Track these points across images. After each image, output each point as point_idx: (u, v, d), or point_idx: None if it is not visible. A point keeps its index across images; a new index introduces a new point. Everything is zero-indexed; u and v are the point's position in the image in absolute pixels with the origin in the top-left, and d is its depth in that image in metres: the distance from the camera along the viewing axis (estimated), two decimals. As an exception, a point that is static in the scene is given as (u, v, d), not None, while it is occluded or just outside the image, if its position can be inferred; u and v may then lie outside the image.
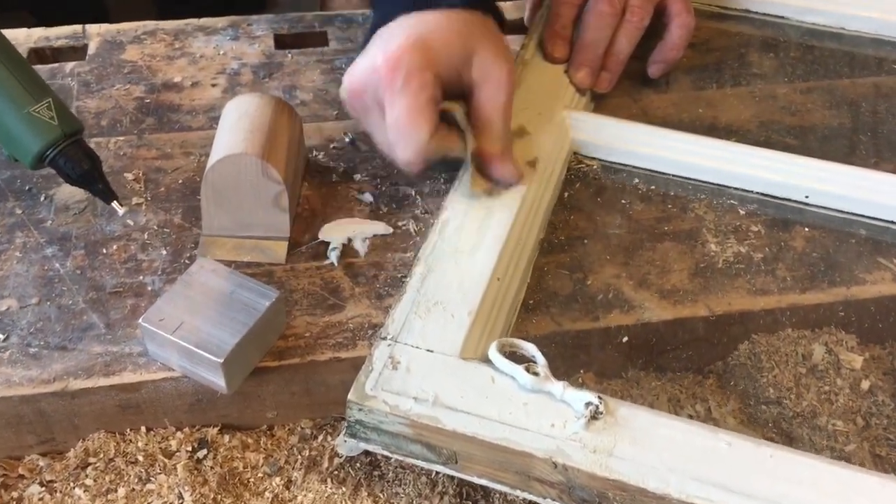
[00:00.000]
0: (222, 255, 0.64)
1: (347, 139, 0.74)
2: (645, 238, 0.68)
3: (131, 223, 0.67)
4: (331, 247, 0.65)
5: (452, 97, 0.63)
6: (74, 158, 0.60)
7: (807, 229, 0.69)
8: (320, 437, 0.61)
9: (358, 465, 0.59)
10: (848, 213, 0.69)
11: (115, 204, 0.61)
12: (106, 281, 0.63)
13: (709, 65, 0.83)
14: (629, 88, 0.79)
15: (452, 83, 0.62)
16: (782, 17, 0.88)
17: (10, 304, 0.61)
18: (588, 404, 0.51)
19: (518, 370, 0.53)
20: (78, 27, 0.85)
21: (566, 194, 0.70)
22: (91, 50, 0.83)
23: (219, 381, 0.56)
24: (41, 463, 0.60)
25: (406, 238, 0.67)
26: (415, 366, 0.55)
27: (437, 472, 0.57)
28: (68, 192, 0.68)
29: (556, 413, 0.52)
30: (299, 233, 0.66)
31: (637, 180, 0.72)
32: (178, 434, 0.60)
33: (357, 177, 0.71)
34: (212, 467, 0.59)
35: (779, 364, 0.64)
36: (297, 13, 0.88)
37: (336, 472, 0.59)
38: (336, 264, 0.65)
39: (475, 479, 0.53)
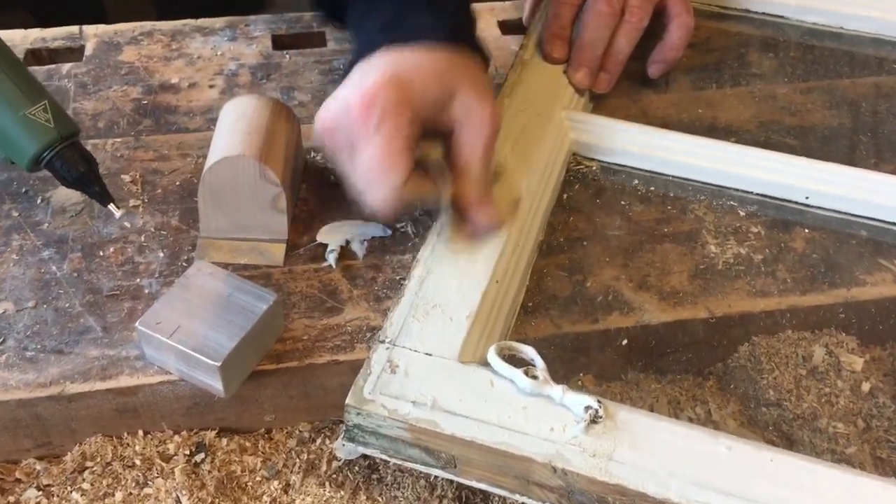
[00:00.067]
0: (220, 258, 0.64)
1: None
2: (644, 240, 0.67)
3: (128, 225, 0.67)
4: (329, 249, 0.65)
5: (432, 138, 0.60)
6: (71, 161, 0.60)
7: (807, 230, 0.68)
8: (318, 441, 0.61)
9: (356, 468, 0.59)
10: (848, 214, 0.68)
11: (111, 206, 0.61)
12: (103, 284, 0.63)
13: (708, 65, 0.83)
14: (628, 89, 0.79)
15: (431, 124, 0.58)
16: (782, 17, 0.87)
17: (7, 308, 0.61)
18: (587, 408, 0.51)
19: (517, 374, 0.53)
20: (74, 28, 0.84)
21: (565, 195, 0.70)
22: (88, 51, 0.82)
23: (216, 385, 0.56)
24: (38, 467, 0.59)
25: (404, 240, 0.66)
26: (413, 369, 0.54)
27: (436, 476, 0.57)
28: (65, 195, 0.68)
29: (556, 417, 0.52)
30: (297, 235, 0.66)
31: (636, 181, 0.72)
32: (176, 438, 0.60)
33: (355, 179, 0.71)
34: (209, 471, 0.58)
35: (779, 366, 0.63)
36: (295, 13, 0.88)
37: (334, 476, 0.59)
38: (334, 266, 0.64)
39: (474, 484, 0.53)
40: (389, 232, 0.67)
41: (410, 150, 0.56)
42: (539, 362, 0.54)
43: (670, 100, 0.79)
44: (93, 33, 0.84)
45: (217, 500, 0.57)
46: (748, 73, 0.82)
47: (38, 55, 0.83)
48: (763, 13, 0.88)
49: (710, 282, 0.65)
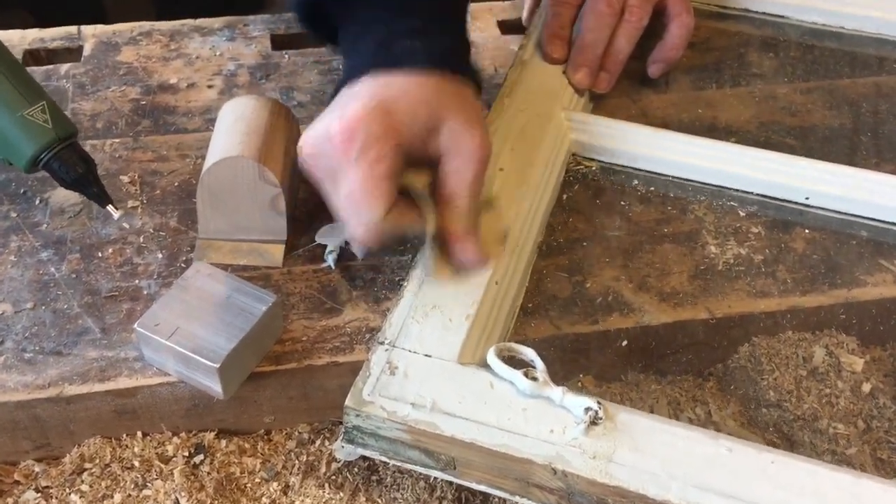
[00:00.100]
0: (219, 259, 0.64)
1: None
2: (644, 240, 0.67)
3: (127, 226, 0.66)
4: (328, 250, 0.65)
5: (419, 166, 0.58)
6: (69, 162, 0.60)
7: (807, 231, 0.68)
8: (318, 442, 0.61)
9: (356, 469, 0.59)
10: (849, 214, 0.68)
11: (109, 207, 0.61)
12: (101, 285, 0.63)
13: (708, 65, 0.83)
14: (628, 89, 0.79)
15: (417, 153, 0.56)
16: (782, 17, 0.87)
17: (5, 309, 0.61)
18: (587, 409, 0.51)
19: (517, 375, 0.53)
20: (73, 28, 0.84)
21: (565, 196, 0.70)
22: (86, 51, 0.82)
23: (215, 387, 0.56)
24: (36, 469, 0.59)
25: (399, 242, 0.66)
26: (412, 371, 0.54)
27: (436, 478, 0.56)
28: (63, 196, 0.68)
29: (556, 418, 0.52)
30: (296, 236, 0.66)
31: (636, 182, 0.71)
32: (175, 439, 0.60)
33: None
34: (208, 473, 0.58)
35: (779, 367, 0.63)
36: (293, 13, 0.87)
37: (334, 478, 0.59)
38: (333, 267, 0.64)
39: (474, 486, 0.53)
40: (389, 233, 0.66)
41: (393, 179, 0.55)
42: (539, 364, 0.54)
43: (670, 100, 0.79)
44: (91, 34, 0.84)
45: (216, 501, 0.57)
46: (748, 72, 0.82)
47: (36, 55, 0.82)
48: (763, 13, 0.88)
49: (711, 282, 0.64)
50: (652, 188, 0.71)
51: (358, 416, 0.53)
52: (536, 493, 0.51)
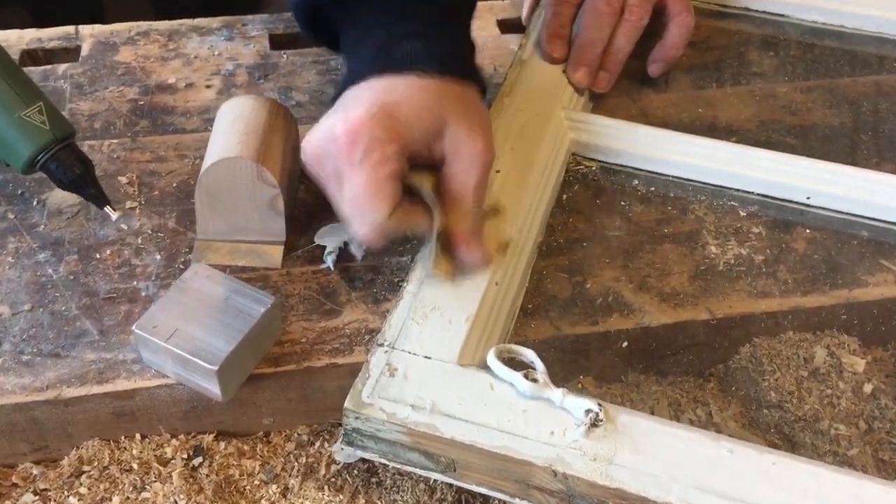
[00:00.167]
0: (217, 260, 0.64)
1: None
2: (644, 240, 0.67)
3: (125, 227, 0.66)
4: (327, 251, 0.64)
5: (423, 167, 0.58)
6: (66, 163, 0.60)
7: (808, 231, 0.68)
8: (317, 444, 0.60)
9: (355, 471, 0.59)
10: (850, 214, 0.68)
11: (107, 209, 0.61)
12: (99, 286, 0.62)
13: (708, 64, 0.83)
14: (628, 88, 0.79)
15: (421, 156, 0.57)
16: (782, 15, 0.87)
17: (3, 311, 0.61)
18: (588, 411, 0.51)
19: (517, 377, 0.53)
20: (70, 28, 0.84)
21: (564, 196, 0.70)
22: (84, 51, 0.82)
23: (214, 389, 0.56)
24: (35, 471, 0.59)
25: (403, 241, 0.66)
26: (412, 373, 0.54)
27: (436, 480, 0.56)
28: (61, 197, 0.68)
29: (556, 420, 0.51)
30: (295, 236, 0.66)
31: (636, 182, 0.71)
32: (174, 441, 0.59)
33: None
34: (207, 475, 0.58)
35: (780, 367, 0.63)
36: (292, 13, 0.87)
37: (333, 480, 0.58)
38: (332, 268, 0.64)
39: (474, 488, 0.53)
40: (388, 233, 0.66)
41: (396, 181, 0.55)
42: (539, 365, 0.53)
43: (670, 99, 0.78)
44: (89, 33, 0.84)
45: (215, 504, 0.57)
46: (748, 71, 0.82)
47: (33, 56, 0.82)
48: (763, 11, 0.87)
49: (711, 283, 0.64)
50: (652, 188, 0.71)
51: (357, 418, 0.52)
52: (537, 495, 0.51)
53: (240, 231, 0.64)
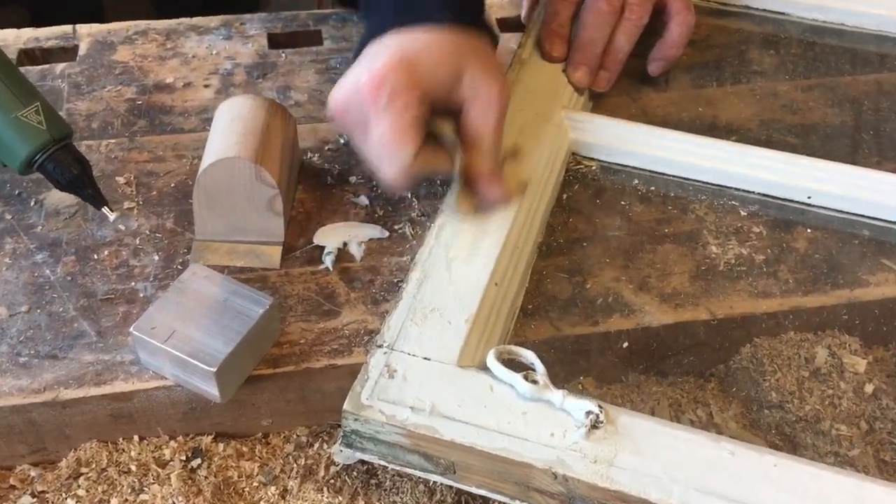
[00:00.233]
0: (215, 261, 0.63)
1: (342, 141, 0.73)
2: (645, 240, 0.67)
3: (123, 228, 0.66)
4: (326, 251, 0.64)
5: (443, 115, 0.61)
6: (63, 163, 0.59)
7: (809, 230, 0.68)
8: (316, 445, 0.60)
9: (355, 473, 0.58)
10: (851, 213, 0.68)
11: (105, 209, 0.60)
12: (97, 287, 0.62)
13: (709, 62, 0.82)
14: (628, 87, 0.79)
15: (441, 103, 0.60)
16: (783, 14, 0.87)
17: (0, 312, 0.60)
18: (588, 413, 0.51)
19: (517, 378, 0.52)
20: (68, 27, 0.84)
21: (565, 196, 0.69)
22: (81, 51, 0.81)
23: (212, 391, 0.55)
24: (32, 473, 0.59)
25: (402, 242, 0.66)
26: (411, 374, 0.54)
27: (436, 481, 0.56)
28: (59, 197, 0.67)
29: (556, 422, 0.51)
30: (294, 237, 0.65)
31: (636, 181, 0.71)
32: (172, 443, 0.59)
33: (352, 179, 0.70)
34: (206, 477, 0.58)
35: (781, 368, 0.63)
36: (290, 12, 0.87)
37: (332, 481, 0.58)
38: (331, 269, 0.64)
39: (474, 490, 0.52)
40: (387, 234, 0.66)
41: (420, 126, 0.58)
42: (539, 366, 0.53)
43: (670, 98, 0.78)
44: (86, 33, 0.83)
45: (214, 506, 0.56)
46: (749, 70, 0.82)
47: (31, 55, 0.82)
48: (764, 9, 0.87)
49: (712, 283, 0.64)
50: (652, 188, 0.70)
51: (356, 420, 0.52)
52: (537, 497, 0.51)
53: (238, 231, 0.64)
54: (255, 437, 0.61)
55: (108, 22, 0.85)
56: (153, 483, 0.57)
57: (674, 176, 0.71)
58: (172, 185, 0.69)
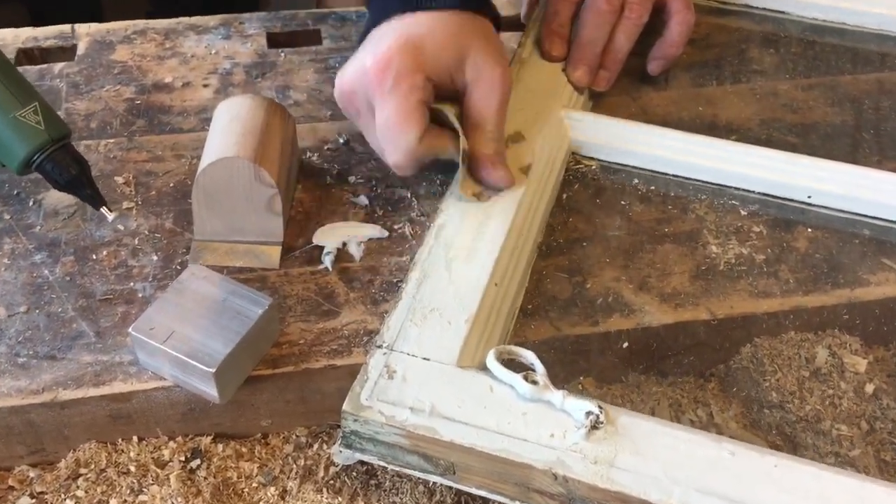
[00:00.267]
0: (214, 261, 0.63)
1: (342, 140, 0.73)
2: (645, 240, 0.66)
3: (122, 228, 0.66)
4: (325, 251, 0.64)
5: (446, 100, 0.63)
6: (62, 164, 0.59)
7: (809, 230, 0.68)
8: (316, 446, 0.60)
9: (354, 474, 0.58)
10: (851, 213, 0.68)
11: (103, 210, 0.60)
12: (96, 288, 0.62)
13: (709, 61, 0.82)
14: (628, 86, 0.78)
15: (445, 86, 0.62)
16: (783, 13, 0.87)
17: (-2, 313, 0.60)
18: (588, 413, 0.50)
19: (517, 379, 0.52)
20: (66, 27, 0.83)
21: (564, 196, 0.69)
22: (80, 50, 0.81)
23: (211, 391, 0.55)
24: (31, 474, 0.58)
25: (402, 242, 0.65)
26: (411, 375, 0.53)
27: (435, 482, 0.56)
28: (57, 197, 0.67)
29: (556, 423, 0.51)
30: (293, 237, 0.65)
31: (636, 181, 0.71)
32: (171, 444, 0.59)
33: (352, 179, 0.70)
34: (205, 477, 0.58)
35: (782, 368, 0.63)
36: (289, 11, 0.87)
37: (332, 482, 0.58)
38: (330, 269, 0.63)
39: (473, 491, 0.52)
40: (386, 234, 0.66)
41: (425, 108, 0.60)
42: (539, 367, 0.53)
43: (670, 97, 0.78)
44: (85, 32, 0.83)
45: (213, 507, 0.56)
46: (749, 69, 0.81)
47: (29, 55, 0.81)
48: (764, 8, 0.87)
49: (712, 283, 0.64)
50: (652, 187, 0.70)
51: (356, 420, 0.52)
52: (537, 498, 0.50)
53: (237, 231, 0.63)
54: (255, 438, 0.60)
55: (107, 21, 0.85)
56: (152, 484, 0.57)
57: (674, 175, 0.70)
58: (171, 184, 0.69)
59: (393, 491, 0.57)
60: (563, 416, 0.51)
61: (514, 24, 0.86)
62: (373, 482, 0.58)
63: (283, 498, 0.57)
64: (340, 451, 0.54)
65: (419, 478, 0.55)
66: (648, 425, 0.51)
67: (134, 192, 0.68)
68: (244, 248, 0.64)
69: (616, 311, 0.62)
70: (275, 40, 0.84)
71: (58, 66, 0.79)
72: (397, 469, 0.54)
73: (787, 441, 0.60)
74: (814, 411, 0.61)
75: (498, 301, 0.59)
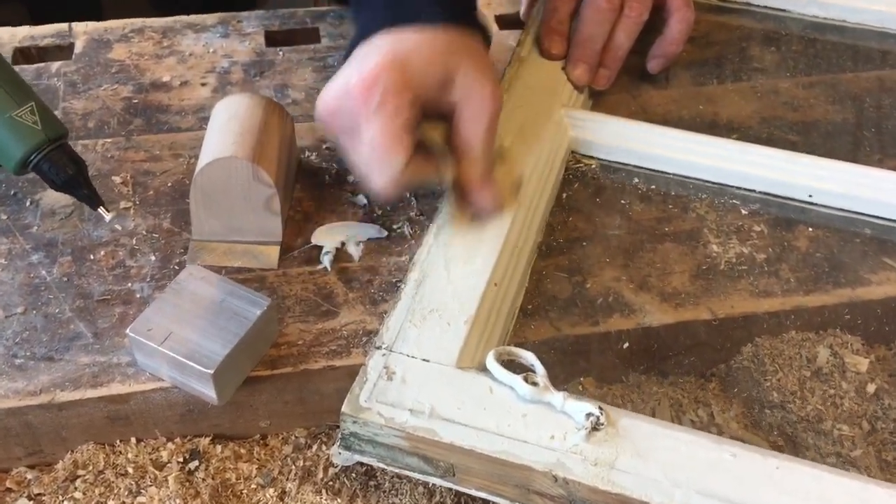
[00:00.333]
0: (213, 261, 0.63)
1: (340, 139, 0.73)
2: (645, 239, 0.66)
3: (119, 228, 0.65)
4: (324, 251, 0.64)
5: (433, 119, 0.60)
6: (59, 164, 0.59)
7: (810, 229, 0.67)
8: (315, 447, 0.60)
9: (353, 475, 0.58)
10: (852, 212, 0.67)
11: (101, 210, 0.60)
12: (93, 288, 0.61)
13: (709, 59, 0.82)
14: (628, 85, 0.78)
15: (433, 105, 0.58)
16: (783, 10, 0.86)
17: (-4, 314, 0.60)
18: (589, 415, 0.50)
19: (516, 380, 0.52)
20: (64, 25, 0.83)
21: (564, 195, 0.69)
22: (77, 49, 0.81)
23: (210, 393, 0.55)
24: (29, 476, 0.58)
25: (401, 241, 0.65)
26: (410, 376, 0.53)
27: (435, 483, 0.55)
28: (54, 197, 0.67)
29: (556, 424, 0.51)
30: (291, 237, 0.65)
31: (637, 180, 0.70)
32: (170, 445, 0.59)
33: (350, 178, 0.70)
34: (204, 479, 0.57)
35: (783, 367, 0.62)
36: (288, 9, 0.86)
37: (331, 483, 0.58)
38: (329, 269, 0.63)
39: (473, 492, 0.52)
40: (385, 233, 0.65)
41: (411, 131, 0.57)
42: (539, 368, 0.53)
43: (670, 96, 0.78)
44: (82, 31, 0.83)
45: (211, 509, 0.56)
46: (749, 67, 0.81)
47: (27, 54, 0.81)
48: (764, 6, 0.87)
49: (713, 282, 0.63)
50: (652, 186, 0.70)
51: (355, 422, 0.52)
52: (537, 500, 0.50)
53: (235, 231, 0.63)
54: (254, 439, 0.60)
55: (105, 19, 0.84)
56: (151, 485, 0.57)
57: (674, 174, 0.70)
58: (169, 184, 0.69)
59: (392, 492, 0.57)
60: (563, 417, 0.51)
61: (513, 21, 0.85)
62: (372, 483, 0.58)
63: (281, 499, 0.57)
64: (340, 453, 0.54)
65: (419, 479, 0.55)
66: (649, 427, 0.51)
67: (131, 191, 0.68)
68: (242, 249, 0.63)
69: (616, 310, 0.61)
70: (273, 39, 0.83)
71: (55, 65, 0.79)
72: (397, 471, 0.53)
73: (789, 441, 0.60)
74: (815, 411, 0.61)
75: (498, 301, 0.58)
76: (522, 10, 0.84)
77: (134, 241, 0.65)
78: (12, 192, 0.68)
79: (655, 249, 0.65)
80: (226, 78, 0.79)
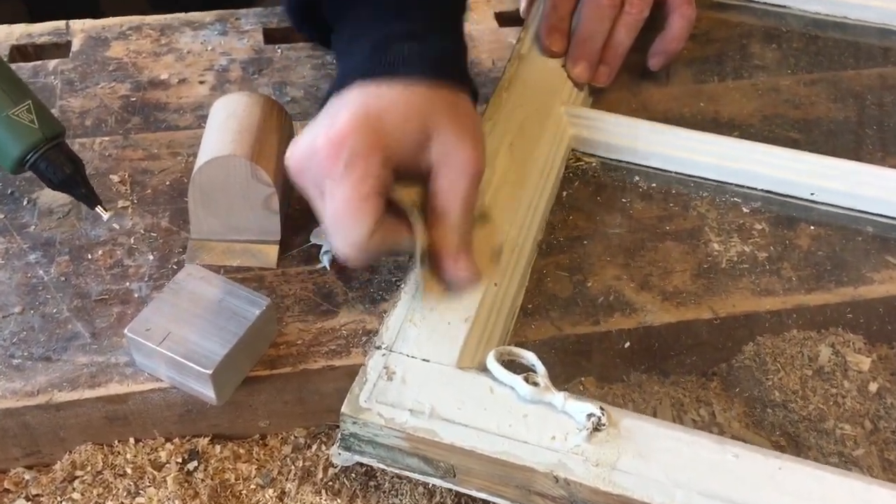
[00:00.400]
0: (211, 260, 0.62)
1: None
2: (646, 238, 0.66)
3: (117, 227, 0.65)
4: (323, 250, 0.63)
5: (410, 179, 0.56)
6: (56, 162, 0.58)
7: (812, 227, 0.67)
8: (314, 447, 0.60)
9: (353, 475, 0.58)
10: (855, 210, 0.67)
11: (98, 209, 0.60)
12: (91, 288, 0.61)
13: (710, 57, 0.81)
14: (628, 82, 0.78)
15: (408, 166, 0.55)
16: (785, 7, 0.86)
17: (-7, 314, 0.60)
18: (590, 415, 0.50)
19: (517, 380, 0.51)
20: (61, 23, 0.83)
21: (564, 193, 0.69)
22: (75, 47, 0.80)
23: (208, 393, 0.55)
24: (27, 476, 0.58)
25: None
26: (410, 376, 0.53)
27: (435, 483, 0.55)
28: (52, 196, 0.66)
29: (557, 425, 0.50)
30: (290, 236, 0.64)
31: (637, 178, 0.70)
32: (168, 445, 0.58)
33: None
34: (203, 479, 0.57)
35: (784, 366, 0.62)
36: (287, 7, 0.86)
37: (331, 484, 0.57)
38: (328, 268, 0.63)
39: (474, 493, 0.52)
40: (385, 232, 0.65)
41: (379, 197, 0.53)
42: (540, 368, 0.52)
43: (671, 93, 0.77)
44: (80, 28, 0.82)
45: (210, 509, 0.56)
46: (751, 65, 0.81)
47: (23, 51, 0.81)
48: (765, 3, 0.86)
49: (714, 281, 0.63)
50: (653, 184, 0.70)
51: (355, 423, 0.51)
52: (538, 501, 0.50)
53: (234, 230, 0.63)
54: (253, 439, 0.60)
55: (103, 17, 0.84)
56: (149, 486, 0.56)
57: (675, 172, 0.70)
58: (167, 183, 0.68)
59: (392, 492, 0.57)
60: (564, 417, 0.51)
61: (513, 19, 0.85)
62: (372, 483, 0.58)
63: (281, 499, 0.57)
64: (339, 453, 0.54)
65: (419, 480, 0.55)
66: (651, 427, 0.51)
67: (129, 190, 0.68)
68: (241, 248, 0.63)
69: (617, 310, 0.61)
70: (271, 36, 0.83)
71: (52, 63, 0.79)
72: (397, 471, 0.53)
73: (790, 441, 0.60)
74: (817, 410, 0.60)
75: (498, 301, 0.58)
76: (522, 7, 0.84)
77: (132, 241, 0.64)
78: (9, 191, 0.67)
79: (656, 248, 0.65)
80: (224, 76, 0.78)
